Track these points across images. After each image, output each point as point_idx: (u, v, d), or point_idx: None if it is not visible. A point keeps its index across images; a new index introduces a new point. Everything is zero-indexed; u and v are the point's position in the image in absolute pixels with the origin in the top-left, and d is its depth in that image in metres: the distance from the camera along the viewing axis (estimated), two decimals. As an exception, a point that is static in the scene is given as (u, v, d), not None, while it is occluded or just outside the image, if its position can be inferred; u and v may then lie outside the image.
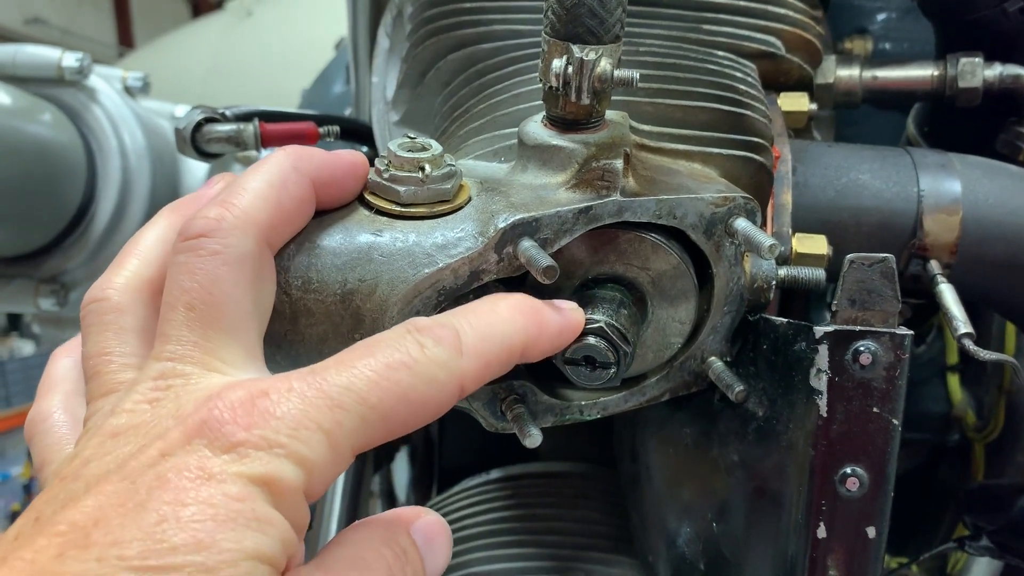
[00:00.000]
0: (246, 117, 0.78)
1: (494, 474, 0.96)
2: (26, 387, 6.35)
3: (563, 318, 0.51)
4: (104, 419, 0.41)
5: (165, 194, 1.44)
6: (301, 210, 0.48)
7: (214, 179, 0.52)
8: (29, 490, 6.22)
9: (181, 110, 1.63)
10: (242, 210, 0.44)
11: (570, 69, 0.50)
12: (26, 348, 6.71)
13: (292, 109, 0.93)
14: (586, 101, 0.51)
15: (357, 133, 1.00)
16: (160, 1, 10.81)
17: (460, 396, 0.43)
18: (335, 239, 0.51)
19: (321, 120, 0.84)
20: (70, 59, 1.35)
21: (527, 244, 0.51)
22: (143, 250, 0.49)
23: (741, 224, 0.55)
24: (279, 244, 0.48)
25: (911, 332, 0.53)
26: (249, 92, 3.82)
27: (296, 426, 0.37)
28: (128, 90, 1.51)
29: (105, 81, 1.43)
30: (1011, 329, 0.97)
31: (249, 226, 0.44)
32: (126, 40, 9.89)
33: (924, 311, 1.01)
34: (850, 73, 0.81)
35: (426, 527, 0.44)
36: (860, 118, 1.06)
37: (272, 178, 0.46)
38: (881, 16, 1.11)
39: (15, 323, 6.66)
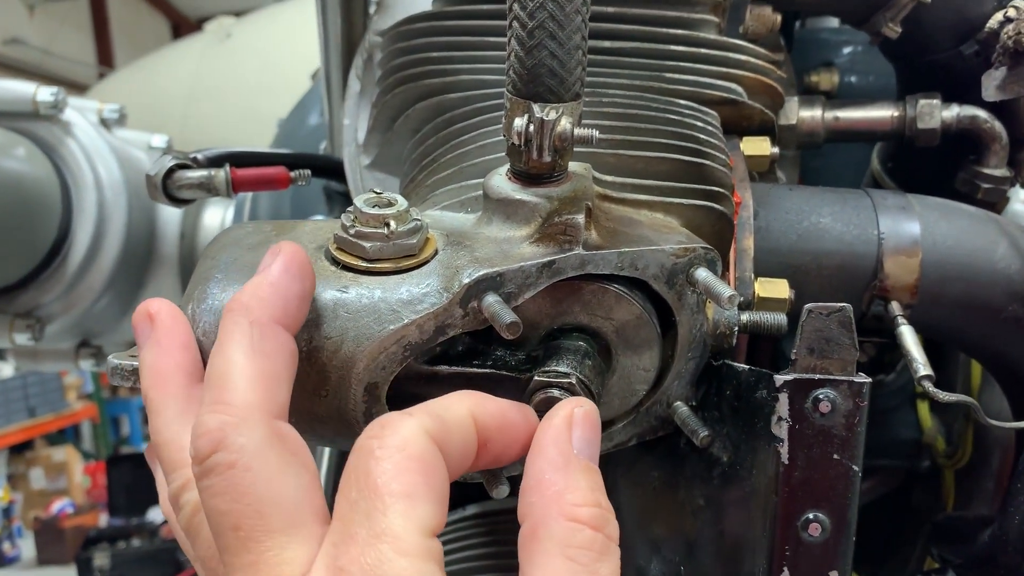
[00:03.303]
0: (217, 161, 0.79)
1: (470, 510, 0.96)
2: (5, 410, 6.28)
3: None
4: None
5: (142, 227, 1.44)
6: (286, 360, 0.47)
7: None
8: (9, 514, 6.16)
9: (158, 139, 1.63)
10: (237, 405, 0.43)
11: (531, 128, 0.51)
12: (5, 370, 6.64)
13: (265, 149, 0.94)
14: (547, 158, 0.52)
15: (329, 170, 1.01)
16: (140, 21, 10.79)
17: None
18: (300, 297, 0.52)
19: (292, 162, 0.84)
20: (45, 93, 1.35)
21: (491, 299, 0.52)
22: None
23: (701, 274, 0.56)
24: (286, 402, 0.46)
25: (869, 380, 0.54)
26: (228, 115, 3.83)
27: None
28: (104, 122, 1.50)
29: (80, 114, 1.43)
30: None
31: (252, 417, 0.43)
32: (106, 60, 9.85)
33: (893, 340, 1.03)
34: (812, 114, 0.83)
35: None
36: (827, 149, 1.08)
37: (244, 348, 0.45)
38: (847, 49, 1.13)
39: (-7, 346, 6.59)
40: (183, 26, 10.94)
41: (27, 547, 6.00)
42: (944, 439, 1.09)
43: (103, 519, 5.91)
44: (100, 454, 7.09)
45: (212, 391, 0.45)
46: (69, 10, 9.42)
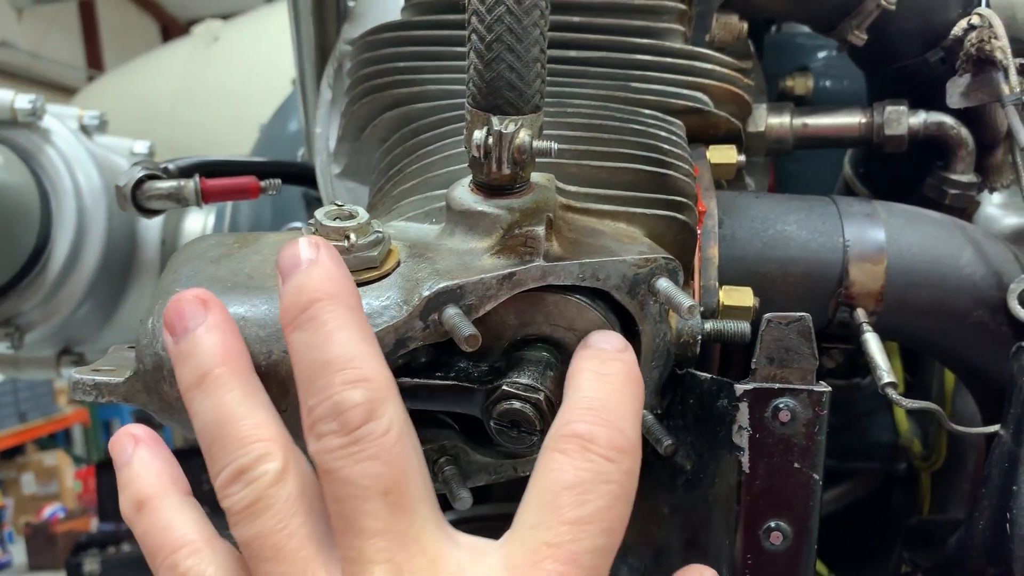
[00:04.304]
0: (188, 171, 0.79)
1: (447, 517, 0.96)
2: (-4, 414, 6.26)
3: None
4: None
5: (122, 233, 1.44)
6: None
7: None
8: (0, 518, 6.13)
9: (140, 146, 1.62)
10: (379, 381, 0.44)
11: (490, 140, 0.52)
12: (-5, 376, 6.61)
13: (239, 157, 0.94)
14: (507, 171, 0.52)
15: (305, 177, 1.01)
16: (129, 24, 10.75)
17: None
18: (260, 309, 0.52)
19: (266, 171, 0.84)
20: (23, 101, 1.34)
21: (451, 312, 0.52)
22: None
23: (663, 285, 0.56)
24: None
25: (829, 389, 0.54)
26: (215, 118, 3.82)
27: None
28: (84, 129, 1.50)
29: (60, 121, 1.43)
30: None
31: (393, 393, 0.44)
32: (95, 63, 9.81)
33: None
34: (781, 121, 0.83)
35: None
36: (804, 154, 1.08)
37: (358, 330, 0.45)
38: (822, 54, 1.13)
39: (-17, 351, 6.56)
40: (172, 28, 10.92)
41: (18, 552, 5.97)
42: (920, 442, 1.10)
43: (95, 524, 5.88)
44: (91, 459, 7.07)
45: (345, 371, 0.43)
46: (58, 13, 9.38)
